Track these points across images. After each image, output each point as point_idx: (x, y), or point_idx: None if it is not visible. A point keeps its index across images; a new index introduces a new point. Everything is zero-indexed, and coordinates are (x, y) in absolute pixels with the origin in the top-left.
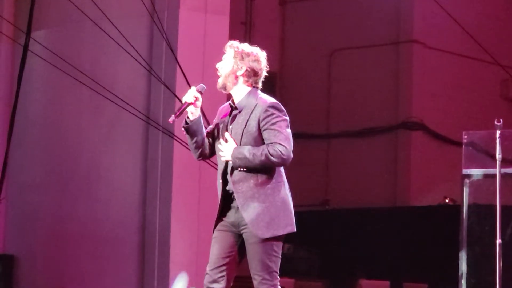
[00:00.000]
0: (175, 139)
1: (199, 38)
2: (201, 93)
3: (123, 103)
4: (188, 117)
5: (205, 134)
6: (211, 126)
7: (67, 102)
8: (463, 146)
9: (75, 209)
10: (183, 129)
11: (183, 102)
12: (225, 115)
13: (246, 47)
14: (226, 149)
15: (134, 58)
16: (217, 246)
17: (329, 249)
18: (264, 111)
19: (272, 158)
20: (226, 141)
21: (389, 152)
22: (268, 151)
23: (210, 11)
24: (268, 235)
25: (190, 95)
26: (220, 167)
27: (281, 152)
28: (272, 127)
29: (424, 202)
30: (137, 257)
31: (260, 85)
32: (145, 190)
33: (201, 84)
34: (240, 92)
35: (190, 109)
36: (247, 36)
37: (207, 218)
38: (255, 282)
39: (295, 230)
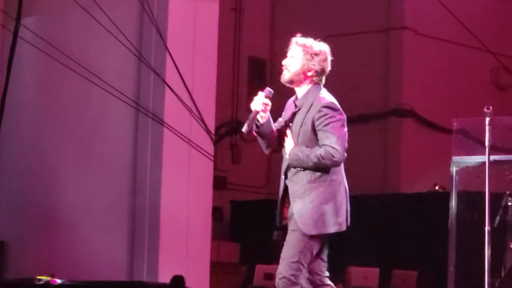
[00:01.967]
0: (165, 126)
1: (189, 25)
2: (269, 98)
3: (113, 89)
4: (258, 121)
5: (275, 130)
6: (280, 119)
7: (57, 89)
8: (453, 133)
9: (65, 195)
10: (254, 133)
11: (253, 110)
12: (289, 111)
13: (314, 44)
14: (287, 148)
15: (124, 44)
16: None
17: None
18: (318, 111)
19: (323, 161)
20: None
21: (379, 139)
22: (320, 153)
23: None
24: (314, 232)
25: (259, 103)
26: (284, 163)
27: (331, 154)
28: (325, 128)
29: (414, 189)
30: (127, 243)
31: (323, 82)
32: (134, 177)
33: (268, 88)
34: (303, 89)
35: (259, 114)
36: (237, 22)
37: (196, 204)
38: (280, 266)
39: (345, 228)
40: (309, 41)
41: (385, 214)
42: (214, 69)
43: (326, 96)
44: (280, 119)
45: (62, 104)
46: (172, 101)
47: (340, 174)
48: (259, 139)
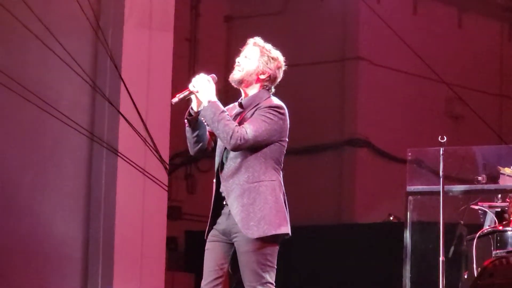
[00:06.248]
0: (119, 156)
1: (143, 55)
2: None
3: (67, 119)
4: (192, 108)
5: (208, 129)
6: None
7: (10, 119)
8: (407, 163)
9: (18, 226)
10: (185, 120)
11: (190, 88)
12: (230, 113)
13: (272, 50)
14: (203, 85)
15: (78, 74)
16: (210, 259)
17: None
18: (263, 108)
19: (227, 136)
20: None
21: (334, 169)
22: (234, 128)
23: (155, 28)
24: (258, 234)
25: (196, 83)
26: (216, 165)
27: (241, 137)
28: (256, 117)
29: (368, 219)
30: (81, 274)
31: (273, 90)
32: (89, 206)
33: (213, 75)
34: (251, 91)
35: (195, 98)
36: (192, 52)
37: (150, 235)
38: None
39: (290, 232)
40: (267, 46)
41: (340, 244)
42: (168, 99)
43: (275, 100)
44: None
45: (16, 134)
46: (127, 131)
47: (278, 176)
48: (189, 134)
